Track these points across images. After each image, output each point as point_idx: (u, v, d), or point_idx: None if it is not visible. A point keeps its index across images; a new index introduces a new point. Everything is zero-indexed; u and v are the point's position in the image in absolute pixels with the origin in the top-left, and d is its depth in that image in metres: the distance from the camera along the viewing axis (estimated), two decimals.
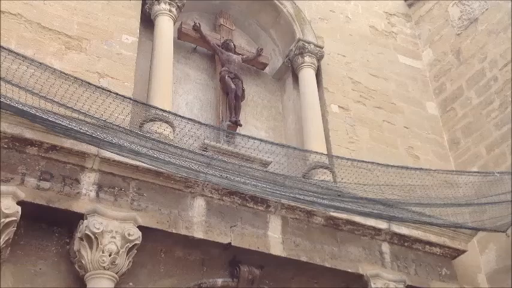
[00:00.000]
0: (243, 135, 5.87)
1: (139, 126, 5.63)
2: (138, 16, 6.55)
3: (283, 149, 5.87)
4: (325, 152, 6.50)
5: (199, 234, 5.17)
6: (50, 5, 5.93)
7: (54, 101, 4.60)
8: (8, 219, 4.29)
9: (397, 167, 5.69)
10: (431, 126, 7.90)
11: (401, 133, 7.52)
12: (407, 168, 5.77)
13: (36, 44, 5.60)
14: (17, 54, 4.45)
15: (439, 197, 5.66)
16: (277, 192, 5.37)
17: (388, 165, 5.59)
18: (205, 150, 5.86)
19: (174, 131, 5.66)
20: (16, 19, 5.63)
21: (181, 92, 6.83)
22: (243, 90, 6.96)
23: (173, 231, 5.07)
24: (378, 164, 5.61)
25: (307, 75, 7.29)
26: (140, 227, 4.84)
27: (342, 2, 8.58)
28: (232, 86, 6.84)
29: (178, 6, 6.76)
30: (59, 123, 4.59)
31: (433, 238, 6.20)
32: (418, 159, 7.29)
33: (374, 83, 7.86)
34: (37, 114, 4.51)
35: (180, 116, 5.45)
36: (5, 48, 4.37)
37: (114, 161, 4.99)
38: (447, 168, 7.10)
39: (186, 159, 5.13)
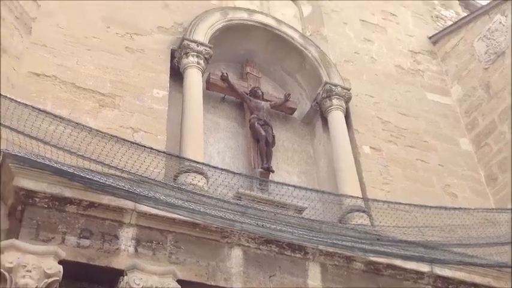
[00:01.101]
0: (277, 182, 5.88)
1: (174, 179, 5.69)
2: (168, 70, 6.69)
3: (317, 194, 5.84)
4: (360, 195, 6.44)
5: (238, 285, 5.13)
6: (83, 65, 6.11)
7: (91, 159, 4.70)
8: (50, 280, 4.32)
9: (435, 207, 5.60)
10: (466, 163, 7.78)
11: (436, 171, 7.42)
12: (445, 208, 5.67)
13: (71, 103, 5.75)
14: (55, 116, 4.61)
15: (481, 236, 5.53)
16: (315, 238, 5.33)
17: (426, 206, 5.50)
18: (239, 199, 5.86)
19: (207, 181, 5.70)
20: (51, 81, 5.81)
21: (213, 141, 6.89)
22: (273, 136, 6.99)
23: (212, 284, 5.05)
24: (415, 205, 5.53)
25: (336, 117, 7.30)
26: (179, 281, 4.82)
27: (366, 43, 8.64)
28: (263, 132, 6.88)
29: (205, 58, 6.90)
30: (96, 181, 4.68)
31: (477, 279, 6.01)
32: (456, 198, 7.16)
33: (404, 122, 7.82)
34: (75, 172, 4.60)
35: (213, 167, 5.52)
36: (42, 111, 4.50)
37: (150, 214, 5.03)
38: (486, 205, 6.96)
39: (221, 209, 5.15)
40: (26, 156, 4.60)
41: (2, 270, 4.21)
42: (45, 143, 4.64)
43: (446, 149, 7.81)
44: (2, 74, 5.22)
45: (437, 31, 9.37)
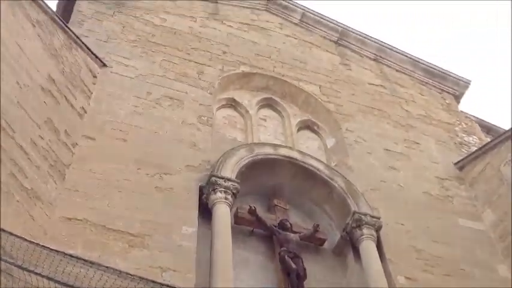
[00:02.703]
0: None
1: None
2: (196, 207, 6.80)
3: None
4: None
5: None
6: (114, 207, 6.26)
7: None
8: None
9: None
10: None
11: None
12: None
13: (101, 245, 5.81)
14: (85, 260, 4.64)
15: None
16: None
17: None
18: None
19: None
20: (82, 224, 5.93)
21: (243, 276, 6.77)
22: (304, 269, 6.86)
23: None
24: None
25: (367, 247, 7.19)
26: None
27: (392, 171, 8.72)
28: (293, 266, 6.78)
29: (233, 193, 7.02)
30: None
31: None
32: None
33: (438, 250, 7.64)
34: None
35: None
36: (73, 256, 4.56)
37: None
38: None
39: None
40: None
41: None
42: None
43: (484, 276, 7.52)
44: (35, 221, 5.38)
45: (462, 157, 9.45)
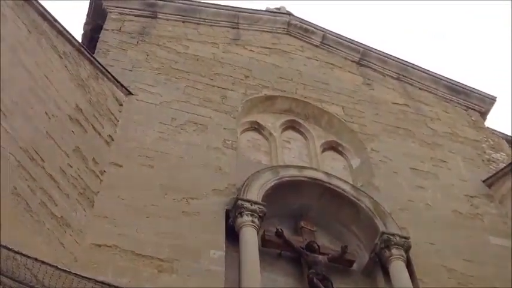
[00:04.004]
0: None
1: None
2: (223, 231, 6.81)
3: None
4: None
5: None
6: (143, 233, 6.31)
7: None
8: None
9: None
10: None
11: None
12: None
13: (130, 271, 5.86)
14: (115, 287, 4.68)
15: None
16: None
17: None
18: None
19: None
20: (112, 250, 5.99)
21: None
22: None
23: None
24: None
25: (397, 268, 7.11)
26: None
27: (419, 190, 8.62)
28: None
29: (260, 216, 7.02)
30: None
31: None
32: None
33: (470, 269, 7.50)
34: None
35: None
36: (105, 283, 4.61)
37: None
38: None
39: None
40: None
41: None
42: None
43: None
44: (66, 248, 5.45)
45: (490, 174, 9.31)
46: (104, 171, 6.78)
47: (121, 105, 7.86)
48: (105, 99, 7.53)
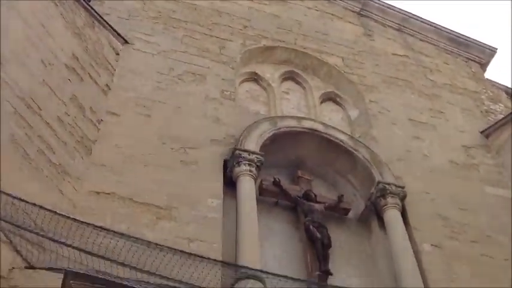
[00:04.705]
0: (337, 287, 5.74)
1: (231, 287, 5.65)
2: (221, 180, 6.88)
3: None
4: None
5: None
6: (140, 180, 6.38)
7: (150, 272, 4.76)
8: None
9: None
10: None
11: (502, 266, 7.08)
12: None
13: (129, 218, 5.95)
14: (114, 232, 4.75)
15: None
16: None
17: None
18: None
19: (265, 287, 5.62)
20: (110, 197, 6.08)
21: (268, 245, 6.86)
22: (329, 238, 6.93)
23: None
24: None
25: (392, 216, 7.21)
26: None
27: (417, 141, 8.66)
28: (318, 235, 6.86)
29: (257, 165, 7.08)
30: None
31: None
32: None
33: (464, 217, 7.61)
34: (134, 286, 4.66)
35: (270, 274, 5.46)
36: (103, 228, 4.69)
37: None
38: None
39: None
40: (87, 273, 4.71)
41: None
42: (106, 259, 4.75)
43: (510, 242, 7.48)
44: (64, 195, 5.53)
45: (488, 125, 9.34)
46: (101, 120, 6.80)
47: (117, 54, 7.80)
48: (102, 48, 7.48)
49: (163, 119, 7.28)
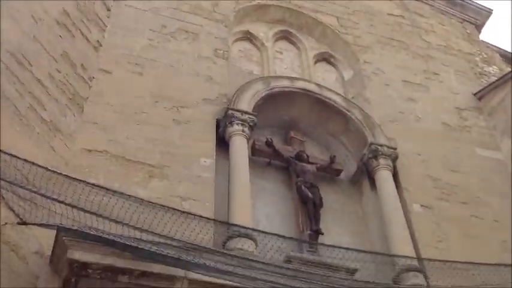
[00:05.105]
0: (327, 245, 5.81)
1: (223, 245, 5.72)
2: (214, 139, 6.87)
3: (371, 255, 5.74)
4: (414, 254, 6.29)
5: None
6: (133, 139, 6.36)
7: (142, 229, 4.80)
8: None
9: (494, 264, 5.38)
10: None
11: (491, 227, 7.19)
12: (504, 265, 5.44)
13: (121, 176, 5.95)
14: (107, 189, 4.76)
15: None
16: None
17: (483, 264, 5.30)
18: (289, 262, 5.81)
19: (257, 246, 5.70)
20: (102, 155, 6.06)
21: (260, 205, 6.92)
22: (321, 198, 6.98)
23: None
24: (471, 263, 5.34)
25: (383, 177, 7.26)
26: None
27: (410, 102, 8.65)
28: (310, 195, 6.90)
29: (250, 125, 7.06)
30: (147, 250, 4.74)
31: None
32: None
33: (455, 178, 7.67)
34: (127, 243, 4.69)
35: (261, 232, 5.53)
36: (95, 185, 4.69)
37: (201, 281, 5.03)
38: None
39: (272, 274, 5.10)
40: (79, 229, 4.74)
41: None
42: (98, 215, 4.77)
43: (500, 204, 7.58)
44: (56, 152, 5.50)
45: (481, 87, 9.32)
46: (93, 77, 6.72)
47: (109, 10, 7.65)
48: (93, 3, 7.32)
49: (155, 77, 7.21)
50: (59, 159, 5.58)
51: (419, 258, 6.23)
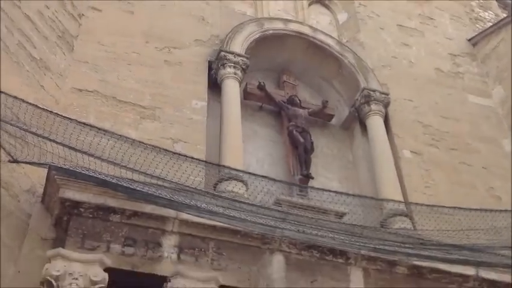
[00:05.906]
0: (316, 188, 5.88)
1: (214, 187, 5.77)
2: (206, 82, 6.81)
3: (359, 199, 5.82)
4: (402, 199, 6.39)
5: None
6: (124, 80, 6.29)
7: (133, 170, 4.81)
8: (96, 286, 4.43)
9: (480, 210, 5.48)
10: (510, 165, 7.59)
11: (479, 174, 7.27)
12: (490, 210, 5.54)
13: (112, 116, 5.92)
14: (98, 128, 4.75)
15: None
16: (357, 243, 5.29)
17: (469, 209, 5.40)
18: (279, 206, 5.89)
19: (247, 188, 5.75)
20: (93, 95, 6.00)
21: (251, 149, 6.94)
22: (312, 143, 7.00)
23: None
24: (458, 208, 5.43)
25: (375, 122, 7.27)
26: (221, 287, 4.87)
27: (404, 47, 8.57)
28: (301, 139, 6.91)
29: (242, 68, 6.99)
30: (139, 190, 4.78)
31: None
32: (500, 200, 6.97)
33: (445, 125, 7.70)
34: (118, 183, 4.72)
35: (252, 174, 5.57)
36: (86, 124, 4.66)
37: (192, 222, 5.10)
38: None
39: (262, 216, 5.18)
40: (71, 168, 4.75)
41: (49, 278, 4.34)
42: (89, 155, 4.77)
43: (489, 151, 7.65)
44: (46, 91, 5.44)
45: (476, 33, 9.22)
46: (83, 14, 6.57)
47: None
48: None
49: (146, 16, 7.07)
50: (50, 98, 5.52)
51: (407, 203, 6.33)
